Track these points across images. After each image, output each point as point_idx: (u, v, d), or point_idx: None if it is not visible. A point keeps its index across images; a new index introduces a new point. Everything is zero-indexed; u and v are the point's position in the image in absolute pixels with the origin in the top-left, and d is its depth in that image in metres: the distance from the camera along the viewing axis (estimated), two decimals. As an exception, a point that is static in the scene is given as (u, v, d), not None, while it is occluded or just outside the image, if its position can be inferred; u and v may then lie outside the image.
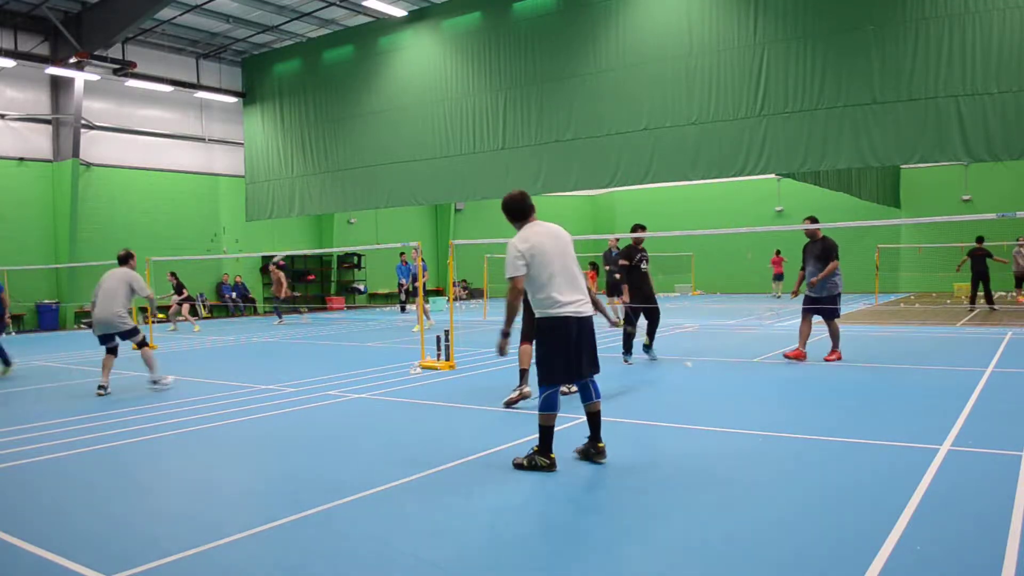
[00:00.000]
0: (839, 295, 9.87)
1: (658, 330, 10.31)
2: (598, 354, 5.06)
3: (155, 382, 8.90)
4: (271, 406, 7.59)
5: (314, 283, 26.74)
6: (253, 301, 24.26)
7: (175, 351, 13.53)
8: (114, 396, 8.50)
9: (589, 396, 5.03)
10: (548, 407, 4.93)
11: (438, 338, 10.09)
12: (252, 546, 3.78)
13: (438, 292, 28.90)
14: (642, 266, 10.05)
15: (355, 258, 27.24)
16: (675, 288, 30.89)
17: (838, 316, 9.94)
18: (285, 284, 20.37)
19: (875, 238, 25.79)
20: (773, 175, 15.87)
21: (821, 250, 9.80)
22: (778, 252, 25.69)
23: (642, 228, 10.17)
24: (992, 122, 11.47)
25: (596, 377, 5.07)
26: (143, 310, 16.00)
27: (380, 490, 4.61)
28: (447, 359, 10.02)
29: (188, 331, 17.73)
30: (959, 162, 13.97)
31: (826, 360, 9.77)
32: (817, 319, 10.04)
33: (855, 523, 3.82)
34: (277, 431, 6.50)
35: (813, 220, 9.99)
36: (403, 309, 23.58)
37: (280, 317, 20.41)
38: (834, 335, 9.95)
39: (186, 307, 18.78)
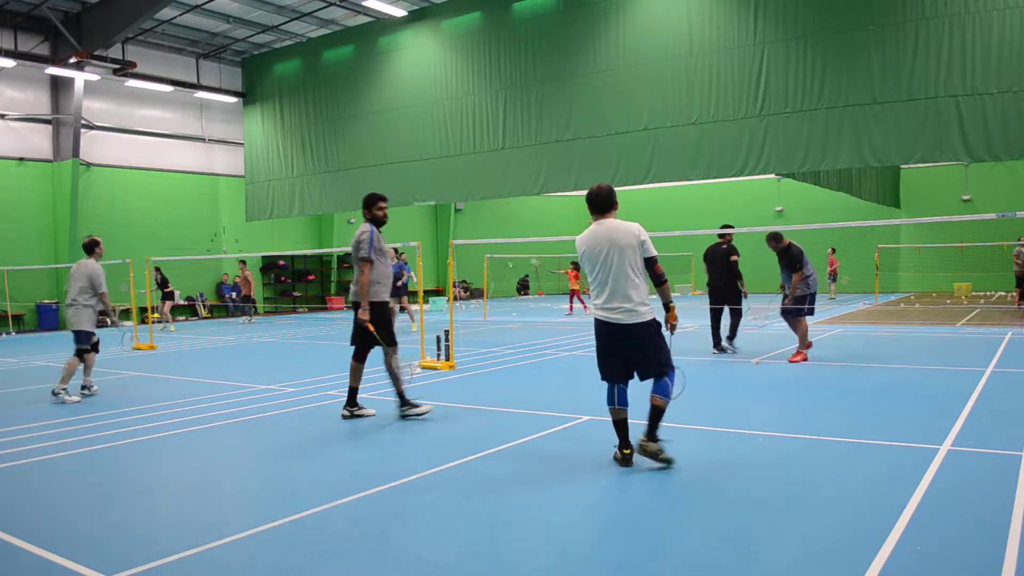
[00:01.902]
0: (813, 294, 10.04)
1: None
2: (656, 357, 4.92)
3: (55, 393, 8.15)
4: (271, 406, 7.59)
5: (314, 283, 26.75)
6: (253, 301, 24.26)
7: (175, 351, 13.53)
8: (114, 396, 8.49)
9: (655, 390, 4.99)
10: (606, 401, 5.06)
11: (438, 338, 10.09)
12: (252, 546, 3.78)
13: (438, 292, 28.90)
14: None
15: (355, 258, 27.24)
16: (675, 288, 30.90)
17: (811, 314, 10.04)
18: (252, 284, 20.89)
19: (875, 238, 25.79)
20: (773, 175, 15.88)
21: (788, 260, 10.01)
22: (833, 251, 25.04)
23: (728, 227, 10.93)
24: (992, 122, 11.48)
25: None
26: (143, 309, 15.97)
27: (380, 490, 4.61)
28: (447, 359, 10.02)
29: (181, 330, 17.72)
30: (959, 162, 13.97)
31: (791, 361, 9.77)
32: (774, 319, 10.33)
33: (855, 523, 3.82)
34: (277, 431, 6.49)
35: (775, 237, 10.17)
36: (402, 309, 23.58)
37: (250, 316, 20.74)
38: (802, 334, 9.96)
39: (167, 304, 18.77)
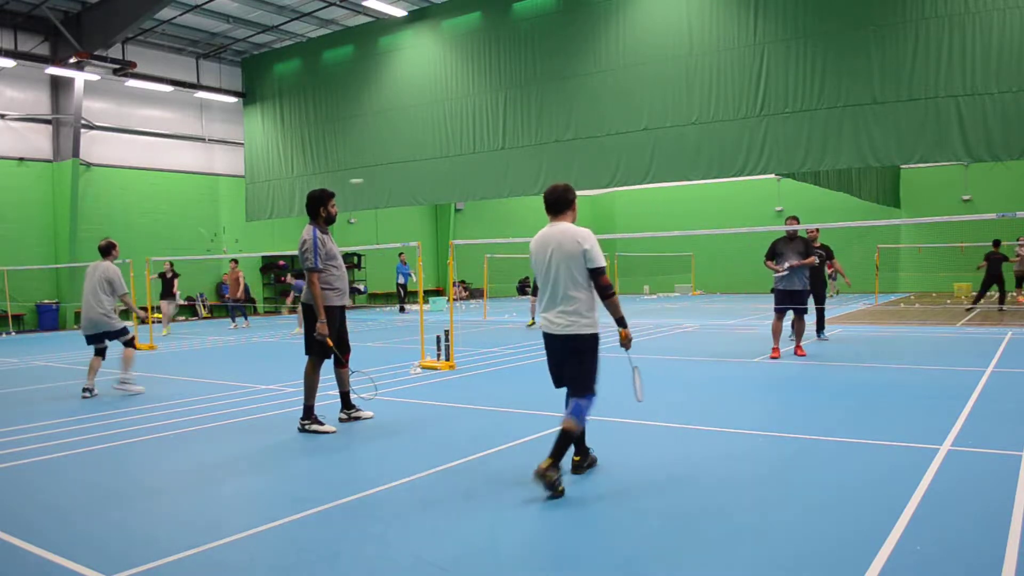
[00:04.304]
0: (810, 292, 10.53)
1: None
2: (579, 375, 4.58)
3: (123, 382, 8.59)
4: (271, 406, 7.59)
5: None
6: (253, 301, 24.26)
7: (175, 351, 13.53)
8: (113, 396, 8.49)
9: (569, 411, 4.56)
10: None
11: (438, 338, 10.10)
12: (252, 546, 3.78)
13: (438, 292, 28.90)
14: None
15: (355, 258, 27.27)
16: (675, 288, 30.91)
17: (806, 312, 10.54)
18: (243, 284, 19.34)
19: (875, 238, 25.81)
20: (773, 175, 15.87)
21: (804, 248, 10.26)
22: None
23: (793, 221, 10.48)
24: (992, 122, 11.48)
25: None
26: (142, 309, 15.86)
27: (380, 490, 4.61)
28: (447, 359, 10.02)
29: (182, 330, 17.69)
30: (959, 162, 13.97)
31: (798, 354, 10.23)
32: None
33: (855, 523, 3.82)
34: (277, 431, 6.49)
35: (795, 220, 10.44)
36: (402, 309, 23.58)
37: (245, 318, 19.50)
38: (801, 332, 10.49)
39: (171, 305, 17.59)
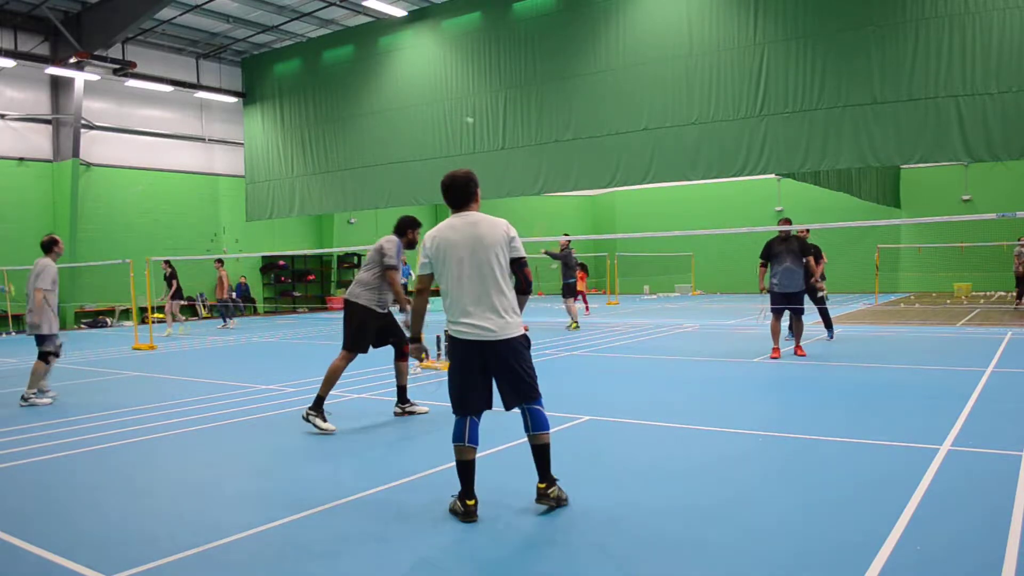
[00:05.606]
0: (804, 293, 10.44)
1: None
2: (527, 380, 4.17)
3: (24, 399, 8.02)
4: (271, 406, 7.59)
5: (314, 283, 26.76)
6: (253, 301, 24.27)
7: (175, 351, 13.53)
8: (114, 396, 8.49)
9: (527, 427, 4.20)
10: (453, 437, 4.16)
11: (438, 338, 10.09)
12: (252, 546, 3.78)
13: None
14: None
15: (355, 258, 27.28)
16: (675, 288, 30.91)
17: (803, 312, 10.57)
18: (227, 284, 18.87)
19: (875, 238, 25.79)
20: (773, 175, 15.87)
21: (800, 247, 10.20)
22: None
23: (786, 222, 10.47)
24: (992, 122, 11.49)
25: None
26: (143, 309, 15.82)
27: (380, 490, 4.61)
28: (447, 359, 10.01)
29: (189, 331, 17.68)
30: (959, 162, 13.98)
31: (798, 354, 10.23)
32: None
33: (855, 523, 3.82)
34: (277, 431, 6.49)
35: (788, 222, 10.43)
36: (402, 310, 23.57)
37: (225, 320, 18.98)
38: (800, 332, 10.55)
39: (176, 304, 17.22)
